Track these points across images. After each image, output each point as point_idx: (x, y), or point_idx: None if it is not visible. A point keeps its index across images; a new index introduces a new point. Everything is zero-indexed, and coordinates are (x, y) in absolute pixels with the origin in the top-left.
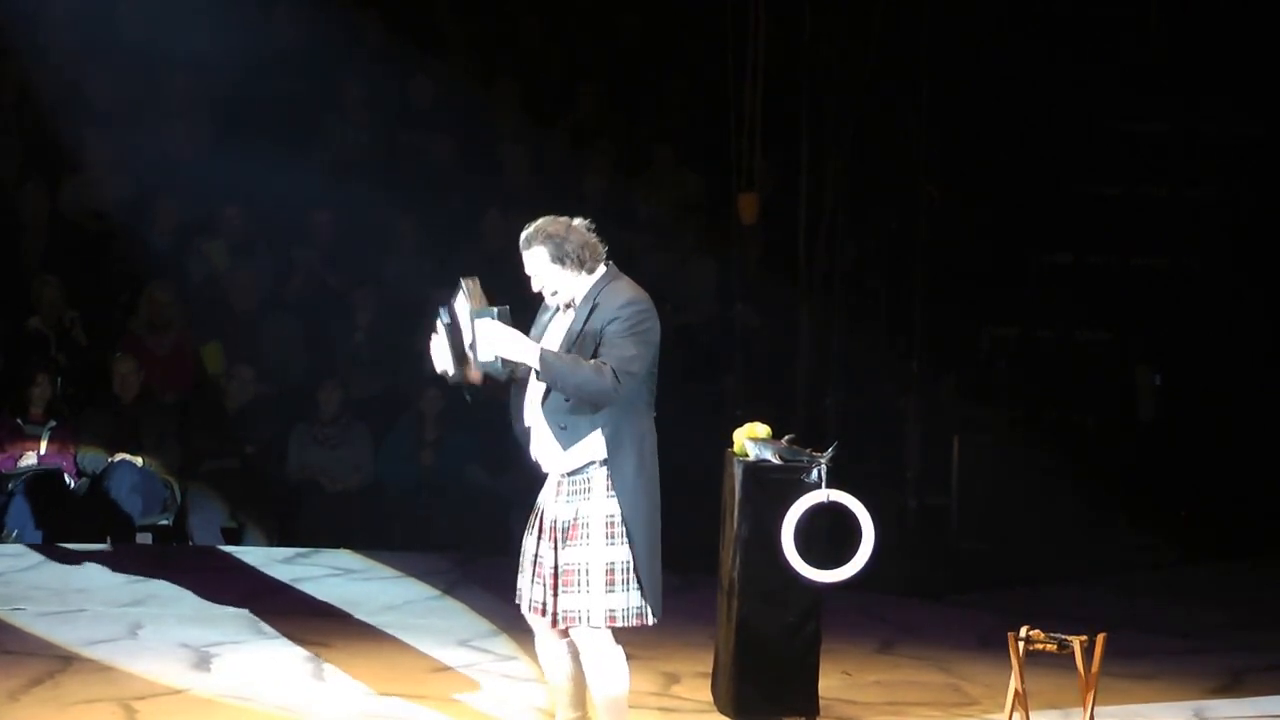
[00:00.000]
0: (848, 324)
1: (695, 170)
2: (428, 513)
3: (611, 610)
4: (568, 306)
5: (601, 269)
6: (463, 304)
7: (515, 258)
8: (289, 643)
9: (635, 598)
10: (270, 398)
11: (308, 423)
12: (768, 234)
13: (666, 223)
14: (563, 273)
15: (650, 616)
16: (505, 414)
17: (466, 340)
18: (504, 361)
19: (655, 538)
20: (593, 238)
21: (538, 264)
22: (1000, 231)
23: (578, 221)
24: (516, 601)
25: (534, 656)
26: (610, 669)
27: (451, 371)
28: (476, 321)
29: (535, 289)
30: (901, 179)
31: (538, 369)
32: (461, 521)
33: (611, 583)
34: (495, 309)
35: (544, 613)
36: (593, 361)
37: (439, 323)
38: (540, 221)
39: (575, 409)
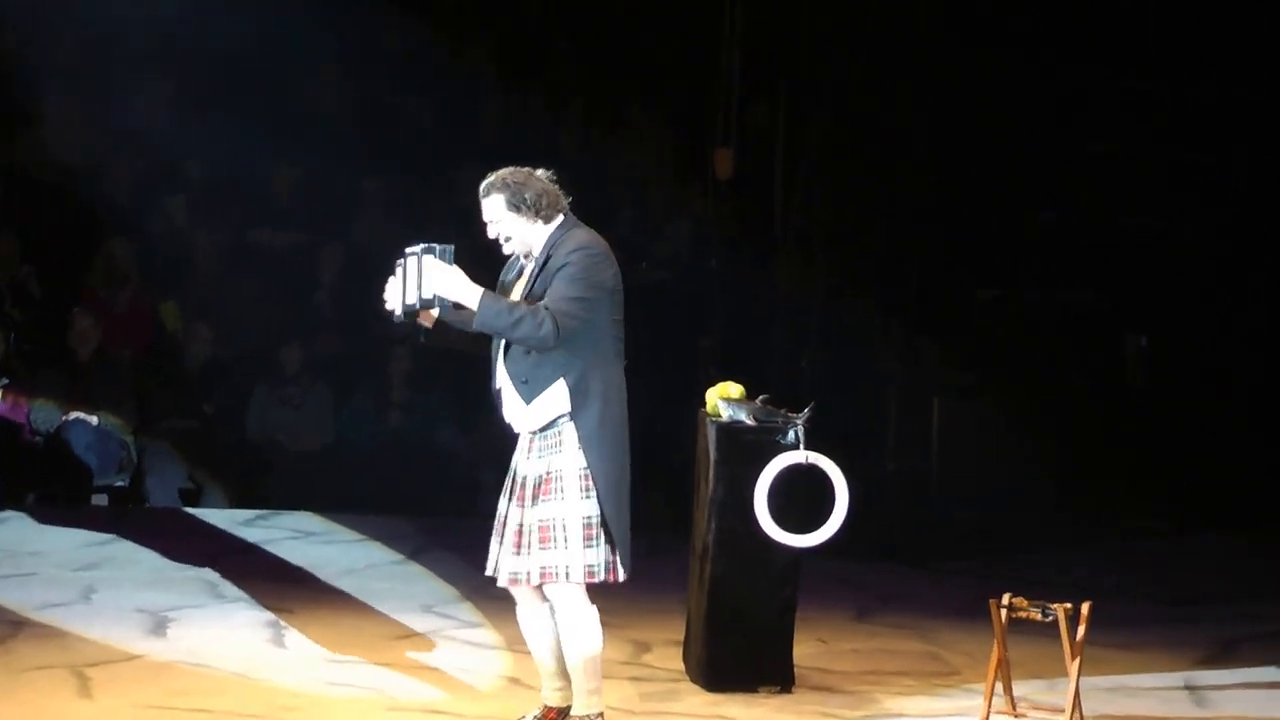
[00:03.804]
0: (826, 283)
1: (671, 127)
2: (392, 475)
3: (590, 565)
4: (527, 257)
5: (559, 219)
6: (418, 250)
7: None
8: (248, 606)
9: (607, 552)
10: (230, 356)
11: (269, 382)
12: (744, 191)
13: (641, 180)
14: (519, 220)
15: (621, 571)
16: (472, 374)
17: (412, 279)
18: (445, 302)
19: (622, 490)
20: (553, 187)
21: (495, 210)
22: (986, 192)
23: (540, 172)
24: (488, 571)
25: (498, 624)
26: (584, 627)
27: (399, 311)
28: (423, 258)
29: (491, 236)
30: (884, 137)
31: (475, 312)
32: (428, 484)
33: (589, 538)
34: (439, 247)
35: (496, 570)
36: (531, 306)
37: (397, 265)
38: (501, 170)
39: (537, 361)
